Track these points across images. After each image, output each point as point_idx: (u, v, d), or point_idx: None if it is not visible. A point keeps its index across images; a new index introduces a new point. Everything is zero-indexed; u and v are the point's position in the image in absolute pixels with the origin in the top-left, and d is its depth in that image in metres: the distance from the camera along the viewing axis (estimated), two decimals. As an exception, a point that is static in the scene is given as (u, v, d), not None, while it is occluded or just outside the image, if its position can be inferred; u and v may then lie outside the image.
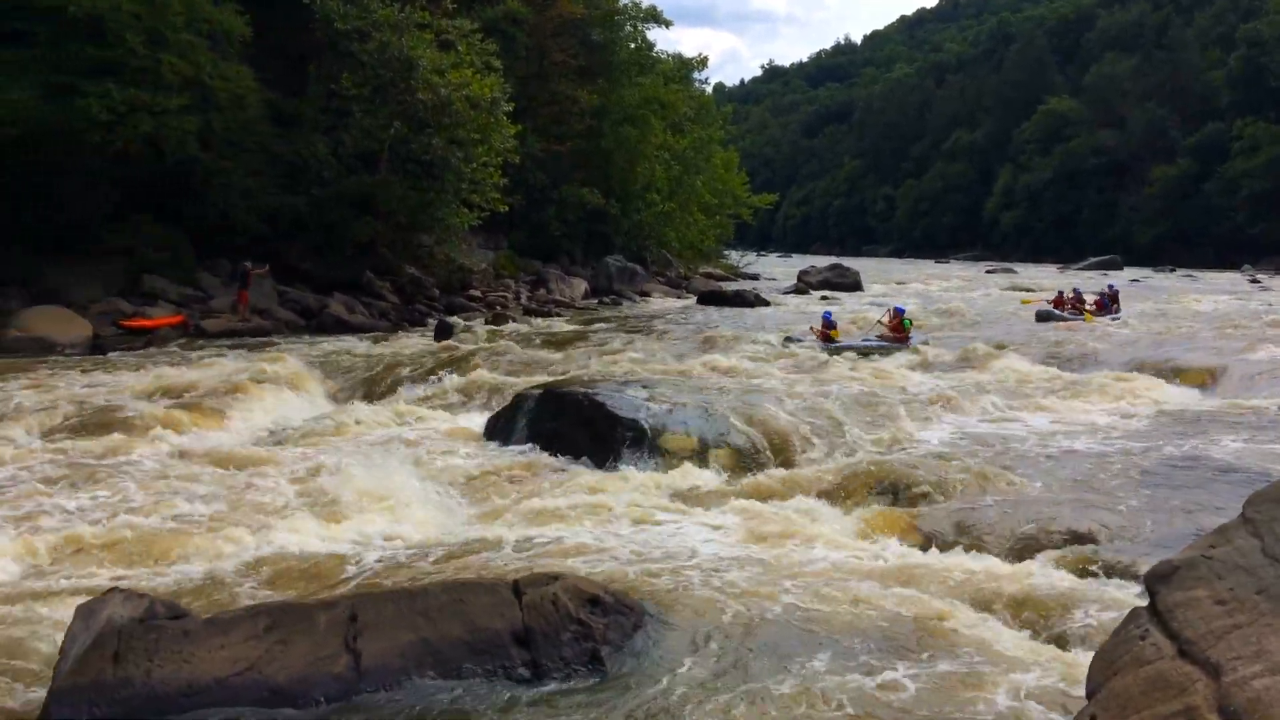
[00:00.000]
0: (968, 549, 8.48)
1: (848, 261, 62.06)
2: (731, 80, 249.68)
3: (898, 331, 22.02)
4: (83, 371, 17.19)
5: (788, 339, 22.28)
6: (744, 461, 11.53)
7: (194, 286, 25.05)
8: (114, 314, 22.38)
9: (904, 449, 12.12)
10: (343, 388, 16.63)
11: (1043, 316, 27.81)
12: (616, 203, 44.11)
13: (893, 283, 53.26)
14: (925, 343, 21.76)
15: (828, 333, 21.74)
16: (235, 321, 23.81)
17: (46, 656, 6.15)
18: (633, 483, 10.65)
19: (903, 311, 22.95)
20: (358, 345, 21.88)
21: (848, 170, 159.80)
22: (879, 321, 23.54)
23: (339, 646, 5.80)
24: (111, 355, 19.50)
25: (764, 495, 10.18)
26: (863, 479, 10.48)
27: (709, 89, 72.77)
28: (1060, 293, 30.87)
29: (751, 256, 75.69)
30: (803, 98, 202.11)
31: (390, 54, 27.33)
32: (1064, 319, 27.54)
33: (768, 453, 11.82)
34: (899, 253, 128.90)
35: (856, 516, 9.47)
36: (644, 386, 13.61)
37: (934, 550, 8.52)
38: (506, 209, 32.40)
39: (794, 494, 10.17)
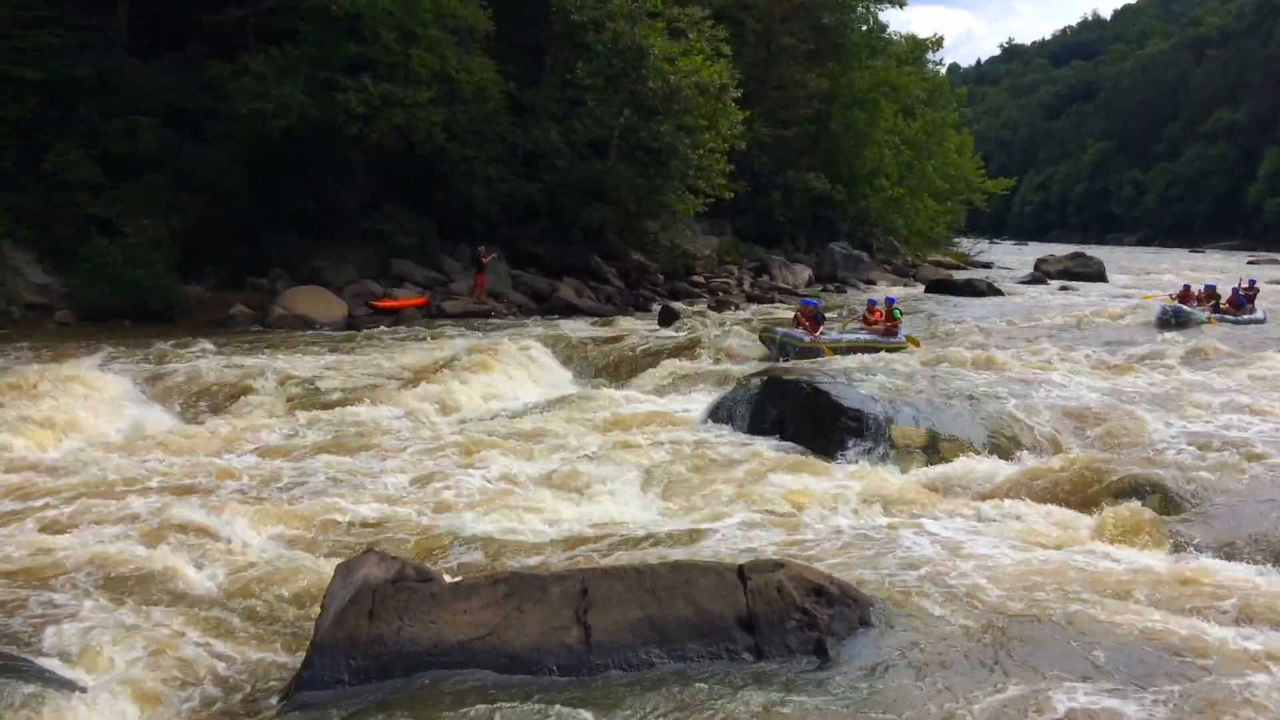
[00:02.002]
0: (1220, 555, 7.89)
1: (1090, 250, 58.57)
2: (967, 60, 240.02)
3: (888, 323, 19.37)
4: (333, 348, 18.48)
5: (767, 336, 18.98)
6: (974, 456, 11.12)
7: (437, 270, 26.49)
8: (365, 295, 24.02)
9: (1142, 449, 11.34)
10: (571, 370, 17.14)
11: (1165, 320, 23.20)
12: (843, 188, 43.33)
13: (1141, 272, 49.93)
14: (910, 338, 19.43)
15: (806, 324, 18.82)
16: (472, 304, 25.01)
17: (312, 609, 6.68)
18: (857, 474, 10.49)
19: (893, 301, 20.18)
20: (585, 329, 22.51)
21: (1092, 153, 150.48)
22: (864, 316, 20.35)
23: (570, 618, 6.03)
24: (363, 333, 20.87)
25: (996, 492, 9.81)
26: (1101, 478, 9.89)
27: (943, 70, 70.25)
28: (1186, 286, 26.53)
29: (984, 244, 72.62)
30: (1044, 77, 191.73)
31: (623, 43, 27.89)
32: (1191, 320, 23.15)
33: (1000, 448, 11.36)
34: (1147, 241, 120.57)
35: (1096, 517, 8.97)
36: (870, 376, 13.36)
37: (1182, 555, 7.97)
38: (732, 195, 32.48)
39: (1027, 492, 9.74)
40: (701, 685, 5.69)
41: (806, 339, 18.06)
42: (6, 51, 21.26)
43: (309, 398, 13.89)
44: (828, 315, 20.73)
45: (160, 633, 6.33)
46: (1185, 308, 24.15)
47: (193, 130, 23.14)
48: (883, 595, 6.84)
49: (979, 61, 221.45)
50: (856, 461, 10.99)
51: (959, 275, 42.97)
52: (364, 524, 8.80)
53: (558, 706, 5.31)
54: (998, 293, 35.44)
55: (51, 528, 8.38)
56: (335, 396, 13.87)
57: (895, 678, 5.79)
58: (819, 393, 12.30)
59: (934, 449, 11.20)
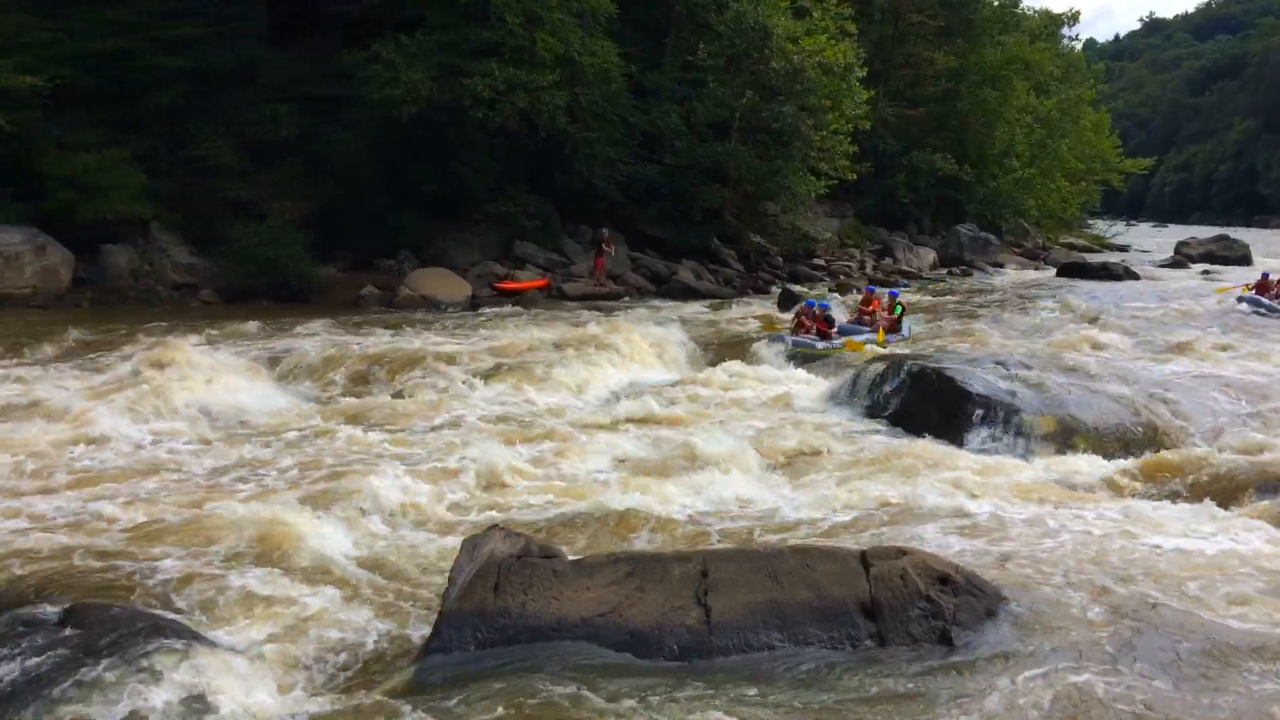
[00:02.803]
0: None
1: (1235, 233, 55.69)
2: (1104, 35, 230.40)
3: (887, 316, 18.15)
4: (459, 329, 18.88)
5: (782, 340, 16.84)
6: (1107, 446, 10.75)
7: (558, 252, 26.79)
8: (489, 276, 24.46)
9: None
10: (690, 352, 17.16)
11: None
12: (971, 169, 42.10)
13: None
14: (901, 335, 17.94)
15: (809, 326, 17.02)
16: (592, 286, 25.23)
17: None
18: (983, 461, 10.26)
19: (895, 295, 18.95)
20: (703, 311, 22.50)
21: (1238, 131, 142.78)
22: (859, 307, 19.06)
23: (691, 599, 6.07)
24: (487, 314, 21.26)
25: (1130, 483, 9.47)
26: (1244, 473, 9.47)
27: (1079, 46, 67.49)
28: (1265, 275, 24.49)
29: (1120, 226, 69.77)
30: (1187, 52, 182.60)
31: (746, 23, 27.63)
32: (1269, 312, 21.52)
33: (1133, 438, 10.95)
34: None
35: (1236, 513, 8.60)
36: (997, 362, 13.03)
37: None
38: (855, 177, 31.94)
39: (1164, 484, 9.40)
40: (822, 670, 5.67)
41: (819, 345, 16.36)
42: (154, 42, 22.27)
43: (449, 376, 14.18)
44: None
45: (298, 599, 6.61)
46: (1263, 299, 22.79)
47: (326, 117, 23.87)
48: (1011, 587, 6.68)
49: (1117, 36, 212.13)
50: (983, 449, 10.76)
51: (1093, 258, 41.43)
52: (491, 499, 9.01)
53: (678, 686, 5.36)
54: (1134, 277, 34.07)
55: (198, 498, 8.82)
56: (472, 375, 14.17)
57: (1022, 671, 5.66)
58: (944, 378, 12.06)
59: (1064, 438, 10.87)
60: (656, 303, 24.33)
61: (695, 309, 22.91)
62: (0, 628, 5.95)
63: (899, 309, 18.50)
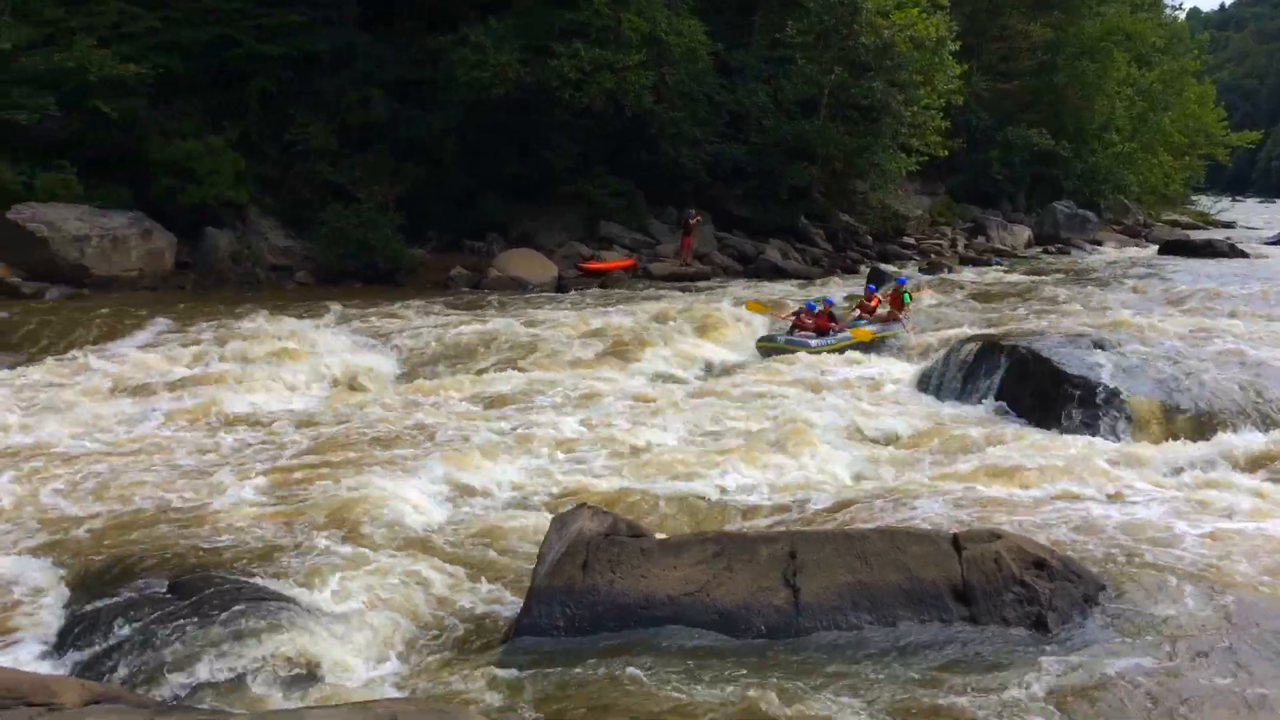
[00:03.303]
0: None
1: (1350, 208, 53.18)
2: (1209, 4, 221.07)
3: (895, 308, 16.84)
4: (547, 309, 19.04)
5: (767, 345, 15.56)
6: (1211, 429, 10.38)
7: (644, 233, 26.80)
8: (575, 257, 24.60)
9: None
10: (778, 332, 17.05)
11: None
12: (1068, 144, 40.85)
13: None
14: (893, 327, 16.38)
15: (820, 324, 15.88)
16: (678, 266, 25.19)
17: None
18: (1080, 445, 10.00)
19: (903, 283, 17.62)
20: (791, 291, 22.31)
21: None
22: (861, 304, 17.54)
23: (778, 580, 6.05)
24: (573, 294, 21.39)
25: (1237, 467, 9.15)
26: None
27: (1182, 15, 65.00)
28: None
29: (1225, 202, 67.21)
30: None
31: (835, -1, 27.25)
32: None
33: (1241, 421, 10.55)
34: None
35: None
36: (1095, 344, 12.66)
37: None
38: (946, 153, 31.27)
39: (1273, 469, 9.04)
40: (913, 653, 5.60)
41: (813, 342, 15.27)
42: (253, 29, 22.83)
43: (539, 356, 14.41)
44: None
45: (392, 571, 6.77)
46: None
47: (416, 100, 24.21)
48: (1111, 574, 6.52)
49: (1223, 5, 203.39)
50: (1080, 432, 10.47)
51: (1197, 235, 39.98)
52: (578, 476, 9.09)
53: (766, 666, 5.35)
54: (1241, 254, 32.75)
55: (297, 471, 9.06)
56: (558, 356, 14.31)
57: (1119, 660, 5.52)
58: (1040, 359, 11.77)
59: (1166, 420, 10.53)
60: (743, 283, 24.19)
61: (782, 288, 22.72)
62: (116, 597, 6.23)
63: (906, 298, 17.17)
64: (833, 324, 15.92)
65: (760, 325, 16.69)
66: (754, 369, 14.27)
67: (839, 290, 22.18)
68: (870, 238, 30.94)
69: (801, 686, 5.12)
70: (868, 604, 5.93)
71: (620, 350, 14.54)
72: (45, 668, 5.49)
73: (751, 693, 5.02)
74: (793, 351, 14.87)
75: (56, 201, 19.82)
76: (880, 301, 17.21)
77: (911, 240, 32.68)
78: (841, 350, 15.14)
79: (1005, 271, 28.12)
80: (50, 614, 6.35)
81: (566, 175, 25.47)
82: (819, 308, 16.13)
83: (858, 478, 9.33)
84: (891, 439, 10.62)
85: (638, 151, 26.72)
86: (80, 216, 19.65)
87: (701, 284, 23.47)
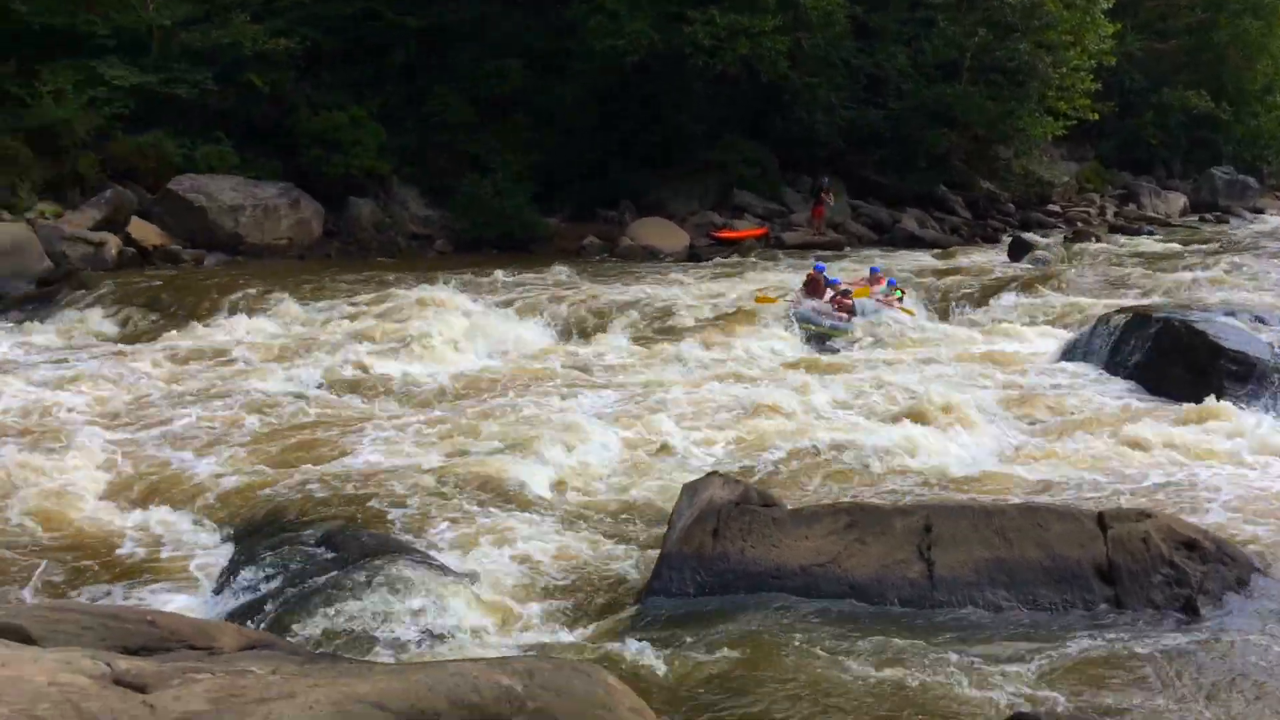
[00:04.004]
0: None
1: None
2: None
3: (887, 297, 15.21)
4: (682, 277, 19.05)
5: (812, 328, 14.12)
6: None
7: (776, 201, 26.52)
8: (707, 226, 24.51)
9: None
10: (915, 301, 16.69)
11: None
12: (1228, 106, 38.60)
13: None
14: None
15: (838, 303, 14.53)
16: (811, 234, 24.84)
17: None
18: (1237, 422, 9.49)
19: (893, 284, 15.67)
20: (927, 260, 21.76)
21: None
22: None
23: (913, 553, 5.96)
24: (707, 263, 21.32)
25: None
26: None
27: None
28: None
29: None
30: None
31: (980, -43, 26.31)
32: None
33: None
34: None
35: None
36: (1257, 317, 11.99)
37: None
38: (1096, 117, 29.90)
39: None
40: (1052, 631, 5.45)
41: (826, 323, 13.99)
42: (394, 2, 23.41)
43: (671, 322, 14.54)
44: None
45: (524, 534, 6.92)
46: None
47: (550, 70, 24.46)
48: (1265, 557, 6.20)
49: None
50: (1235, 408, 9.94)
51: (1371, 203, 37.32)
52: (710, 443, 9.11)
53: (899, 639, 5.28)
54: None
55: (433, 435, 9.35)
56: (687, 326, 14.35)
57: (1275, 648, 5.25)
58: (1194, 332, 11.21)
59: (1335, 399, 9.91)
60: (878, 252, 23.71)
61: (918, 258, 22.18)
62: (267, 547, 6.56)
63: (900, 293, 15.56)
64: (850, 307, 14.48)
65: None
66: (889, 339, 14.02)
67: (987, 255, 21.53)
68: (1012, 205, 29.94)
69: (936, 663, 5.03)
70: (1006, 581, 5.79)
71: (748, 317, 14.49)
72: (202, 613, 5.81)
73: (886, 669, 4.96)
74: (837, 338, 13.75)
75: (213, 173, 20.82)
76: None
77: (1057, 208, 31.49)
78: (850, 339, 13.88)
79: (1158, 241, 26.78)
80: (207, 561, 6.74)
81: (699, 143, 25.37)
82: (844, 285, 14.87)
83: (995, 451, 9.08)
84: (1032, 412, 10.29)
85: (772, 118, 26.42)
86: (235, 187, 20.60)
87: (835, 253, 23.08)
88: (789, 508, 6.47)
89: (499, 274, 17.97)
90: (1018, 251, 21.85)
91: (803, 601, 5.78)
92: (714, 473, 6.84)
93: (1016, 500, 7.31)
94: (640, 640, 5.36)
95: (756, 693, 4.76)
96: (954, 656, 5.12)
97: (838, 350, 13.48)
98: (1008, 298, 16.17)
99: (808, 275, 15.51)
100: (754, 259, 21.93)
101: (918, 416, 9.61)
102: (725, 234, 24.10)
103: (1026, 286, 16.94)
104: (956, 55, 27.20)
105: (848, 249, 24.10)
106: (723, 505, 6.26)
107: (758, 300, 15.32)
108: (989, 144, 29.26)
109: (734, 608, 5.75)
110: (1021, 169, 29.92)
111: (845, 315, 14.34)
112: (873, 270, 16.58)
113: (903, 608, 5.72)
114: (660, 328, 14.33)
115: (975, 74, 27.41)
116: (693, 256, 22.23)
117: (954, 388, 10.77)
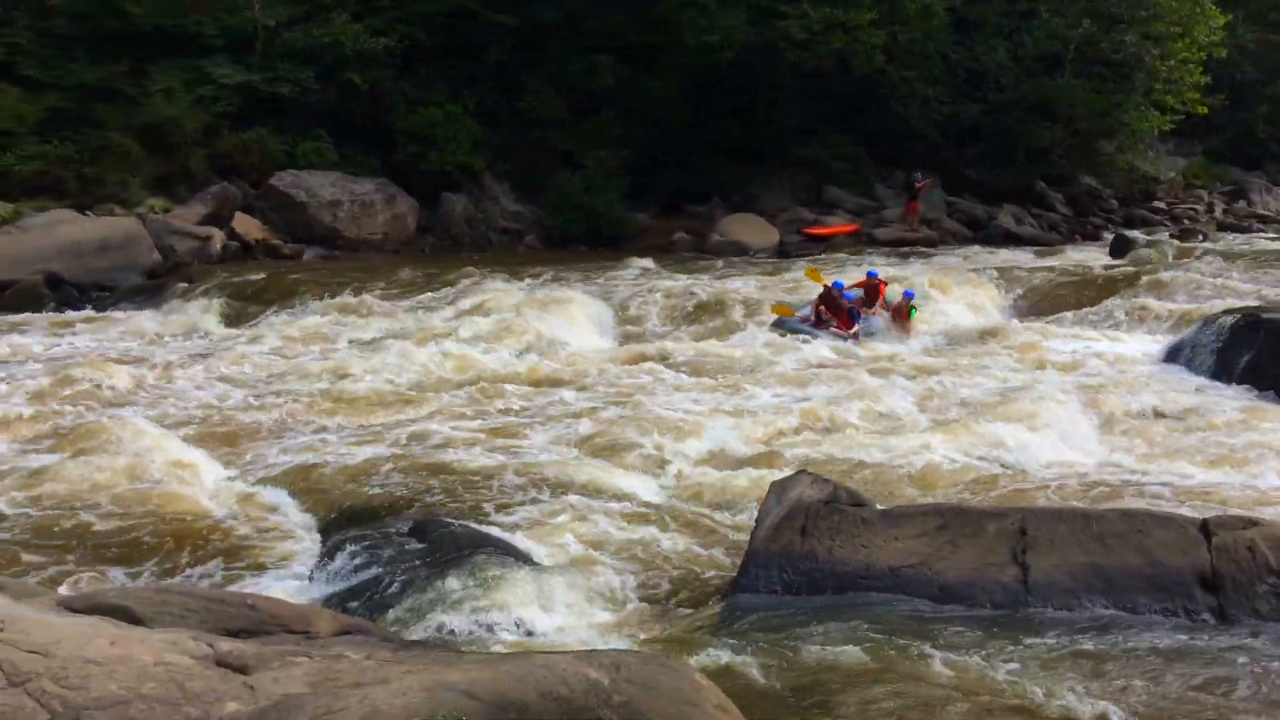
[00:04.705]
0: None
1: None
2: None
3: (903, 318, 14.11)
4: (772, 273, 18.93)
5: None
6: None
7: (869, 196, 26.19)
8: (797, 222, 24.33)
9: None
10: (1012, 302, 16.34)
11: None
12: (1350, 99, 36.90)
13: None
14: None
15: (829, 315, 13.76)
16: (904, 231, 24.47)
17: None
18: (1356, 430, 9.09)
19: (910, 296, 14.37)
20: (1025, 258, 21.25)
21: None
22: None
23: (1006, 556, 5.83)
24: (795, 259, 21.14)
25: None
26: None
27: None
28: None
29: None
30: None
31: (1084, -54, 25.60)
32: None
33: None
34: None
35: None
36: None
37: None
38: (1204, 111, 28.87)
39: None
40: (1151, 641, 5.28)
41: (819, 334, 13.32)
42: (490, 1, 23.74)
43: (763, 319, 14.47)
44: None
45: (611, 528, 6.98)
46: None
47: (641, 66, 24.52)
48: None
49: None
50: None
51: None
52: (797, 441, 9.04)
53: (992, 645, 5.17)
54: None
55: (526, 427, 9.46)
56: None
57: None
58: (1309, 335, 10.76)
59: None
60: (973, 249, 23.26)
61: (1015, 256, 21.69)
62: (361, 536, 6.72)
63: (913, 312, 14.31)
64: (854, 325, 13.66)
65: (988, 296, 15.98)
66: (984, 338, 13.74)
67: (1088, 253, 20.95)
68: (1115, 202, 29.12)
69: (1030, 669, 4.91)
70: (1103, 587, 5.63)
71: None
72: (297, 597, 5.97)
73: (977, 672, 4.86)
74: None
75: (313, 169, 21.38)
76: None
77: (1162, 205, 30.53)
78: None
79: (1269, 239, 25.75)
80: (302, 546, 6.93)
81: (791, 138, 25.20)
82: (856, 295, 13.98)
83: (1094, 455, 8.84)
84: (1134, 416, 9.99)
85: (865, 113, 26.10)
86: (333, 183, 21.14)
87: (928, 250, 22.71)
88: (878, 508, 6.38)
89: (578, 270, 18.18)
90: (1120, 249, 21.22)
91: (891, 602, 5.70)
92: (802, 471, 6.79)
93: (1115, 505, 7.11)
94: (726, 637, 5.34)
95: (841, 695, 4.71)
96: (1047, 665, 4.98)
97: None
98: (1109, 297, 15.71)
99: (821, 294, 14.06)
100: (846, 255, 21.67)
101: (1012, 417, 9.40)
102: (816, 230, 23.88)
103: (1129, 285, 16.42)
104: (1059, 47, 26.53)
105: (942, 246, 23.69)
106: (811, 504, 6.21)
107: (808, 275, 14.82)
108: (1092, 138, 28.48)
109: (821, 607, 5.70)
110: (1125, 164, 29.05)
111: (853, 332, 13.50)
112: (870, 274, 15.06)
113: (994, 611, 5.59)
114: (746, 323, 14.28)
115: (1078, 67, 26.69)
116: (782, 253, 22.12)
117: (1052, 388, 10.52)
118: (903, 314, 14.11)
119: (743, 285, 16.55)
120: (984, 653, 5.05)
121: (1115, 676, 4.89)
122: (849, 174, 26.04)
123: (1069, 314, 15.28)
